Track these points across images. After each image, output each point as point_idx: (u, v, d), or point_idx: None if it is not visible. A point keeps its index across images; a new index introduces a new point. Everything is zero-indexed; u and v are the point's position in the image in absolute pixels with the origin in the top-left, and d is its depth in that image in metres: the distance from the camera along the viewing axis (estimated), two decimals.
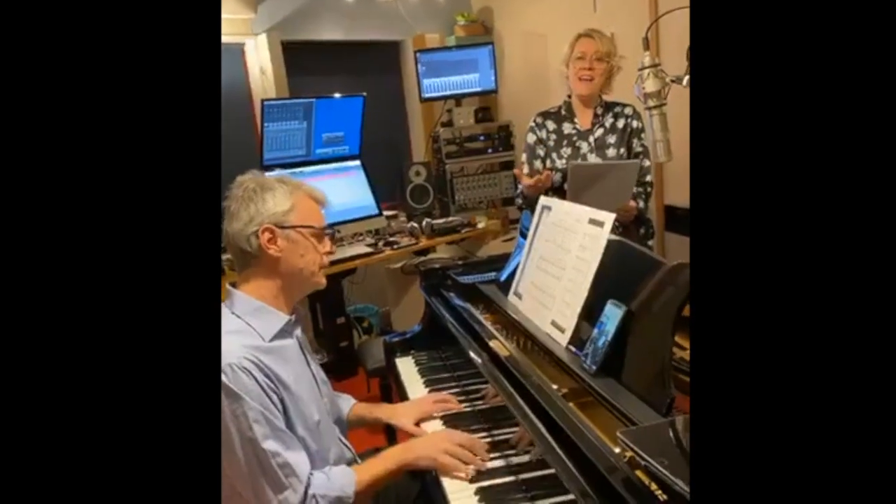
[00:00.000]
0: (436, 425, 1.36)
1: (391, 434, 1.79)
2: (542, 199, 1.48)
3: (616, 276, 1.16)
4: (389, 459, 1.19)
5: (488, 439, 1.26)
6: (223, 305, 1.20)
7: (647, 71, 1.43)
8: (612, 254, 1.17)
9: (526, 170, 2.21)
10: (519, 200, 2.25)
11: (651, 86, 1.42)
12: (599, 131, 2.16)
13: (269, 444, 1.05)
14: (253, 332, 1.14)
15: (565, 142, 2.18)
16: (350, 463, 1.30)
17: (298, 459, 1.09)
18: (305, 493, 1.07)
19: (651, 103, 1.44)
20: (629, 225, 2.10)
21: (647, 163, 2.10)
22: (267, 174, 1.26)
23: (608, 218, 1.19)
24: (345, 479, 1.12)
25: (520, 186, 2.25)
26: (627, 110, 2.16)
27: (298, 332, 1.28)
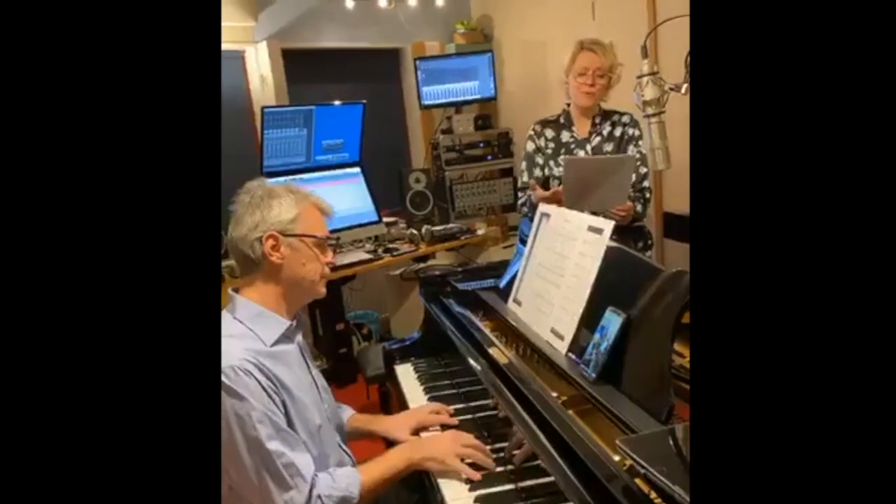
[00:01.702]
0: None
1: (391, 443, 1.78)
2: (542, 207, 1.48)
3: (615, 283, 1.16)
4: (396, 459, 1.19)
5: (488, 447, 1.25)
6: (225, 311, 1.20)
7: (645, 79, 1.43)
8: (611, 261, 1.18)
9: (525, 178, 2.23)
10: (525, 209, 2.25)
11: (650, 93, 1.43)
12: (597, 140, 2.18)
13: (274, 445, 1.06)
14: (255, 337, 1.15)
15: (563, 150, 2.20)
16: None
17: (303, 460, 1.09)
18: (310, 493, 1.07)
19: (650, 111, 1.44)
20: (626, 237, 2.11)
21: (643, 169, 2.12)
22: (269, 180, 1.27)
23: (607, 225, 1.19)
24: (350, 479, 1.13)
25: (521, 197, 2.26)
26: (625, 118, 2.18)
27: (300, 337, 1.28)
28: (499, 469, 1.17)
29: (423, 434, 1.35)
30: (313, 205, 1.24)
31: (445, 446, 1.19)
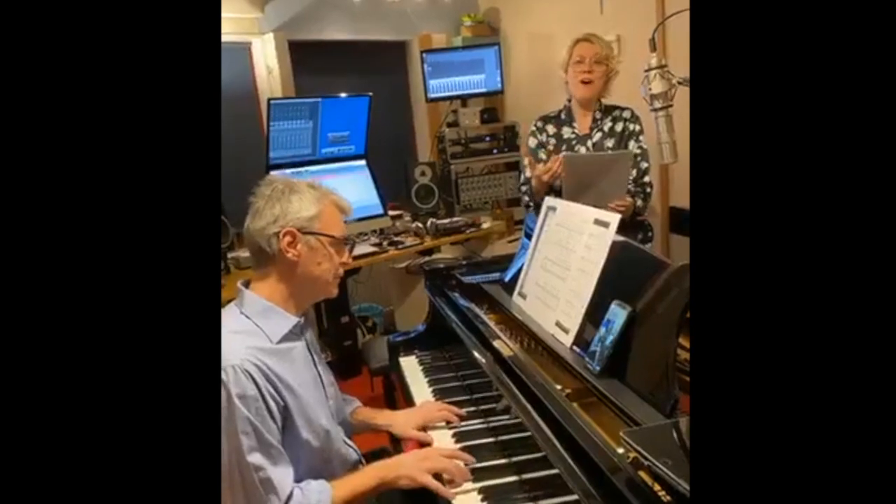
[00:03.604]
0: (446, 437, 1.34)
1: (395, 438, 1.79)
2: (548, 200, 1.48)
3: (621, 276, 1.16)
4: (369, 476, 1.16)
5: (492, 439, 1.26)
6: (233, 304, 1.19)
7: (653, 72, 1.43)
8: (617, 255, 1.17)
9: (528, 173, 2.23)
10: (526, 198, 2.26)
11: (657, 87, 1.42)
12: (598, 135, 2.19)
13: (254, 458, 1.04)
14: (260, 333, 1.14)
15: (564, 146, 2.21)
16: (355, 464, 1.30)
17: (282, 476, 1.07)
18: None
19: (657, 105, 1.44)
20: (627, 231, 2.11)
21: (644, 164, 2.12)
22: (274, 173, 1.26)
23: (613, 219, 1.19)
24: (321, 495, 1.10)
25: (523, 187, 2.27)
26: (626, 113, 2.19)
27: (308, 334, 1.27)
28: (503, 461, 1.17)
29: (434, 434, 1.34)
30: (333, 203, 1.22)
31: (417, 465, 1.15)
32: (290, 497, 1.07)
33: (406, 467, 1.15)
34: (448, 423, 1.36)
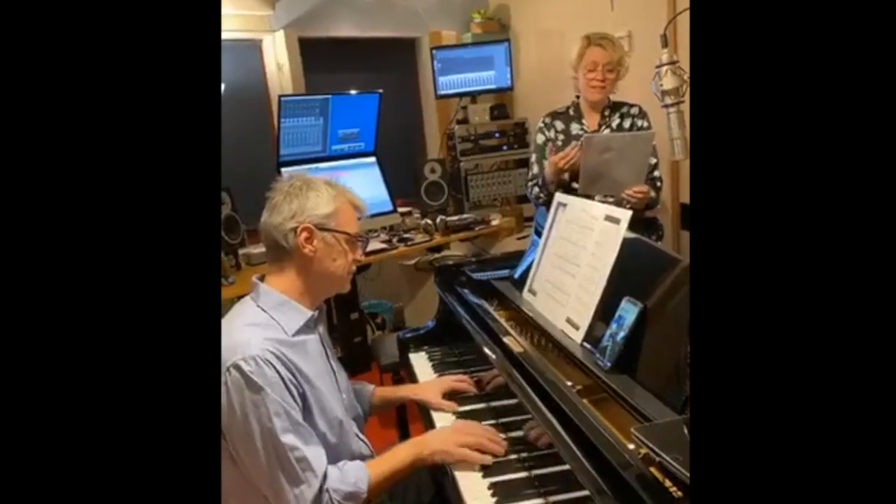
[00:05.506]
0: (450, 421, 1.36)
1: (403, 430, 1.80)
2: (558, 196, 1.48)
3: (632, 273, 1.16)
4: (403, 453, 1.19)
5: (502, 435, 1.26)
6: (249, 297, 1.22)
7: (665, 68, 1.42)
8: (629, 251, 1.17)
9: (536, 170, 2.24)
10: (537, 189, 2.24)
11: (669, 83, 1.42)
12: (606, 132, 2.18)
13: (288, 438, 1.06)
14: (276, 326, 1.16)
15: (573, 142, 2.20)
16: (367, 458, 1.31)
17: (316, 454, 1.09)
18: (321, 488, 1.08)
19: (669, 101, 1.44)
20: (637, 228, 2.11)
21: (654, 160, 2.12)
22: (285, 170, 1.27)
23: (624, 215, 1.19)
24: (359, 473, 1.13)
25: (531, 184, 2.27)
26: (634, 110, 2.19)
27: (321, 328, 1.29)
28: (513, 456, 1.17)
29: (439, 422, 1.35)
30: (349, 202, 1.25)
31: (451, 438, 1.19)
32: (325, 476, 1.09)
33: (439, 442, 1.19)
34: (455, 411, 1.39)
